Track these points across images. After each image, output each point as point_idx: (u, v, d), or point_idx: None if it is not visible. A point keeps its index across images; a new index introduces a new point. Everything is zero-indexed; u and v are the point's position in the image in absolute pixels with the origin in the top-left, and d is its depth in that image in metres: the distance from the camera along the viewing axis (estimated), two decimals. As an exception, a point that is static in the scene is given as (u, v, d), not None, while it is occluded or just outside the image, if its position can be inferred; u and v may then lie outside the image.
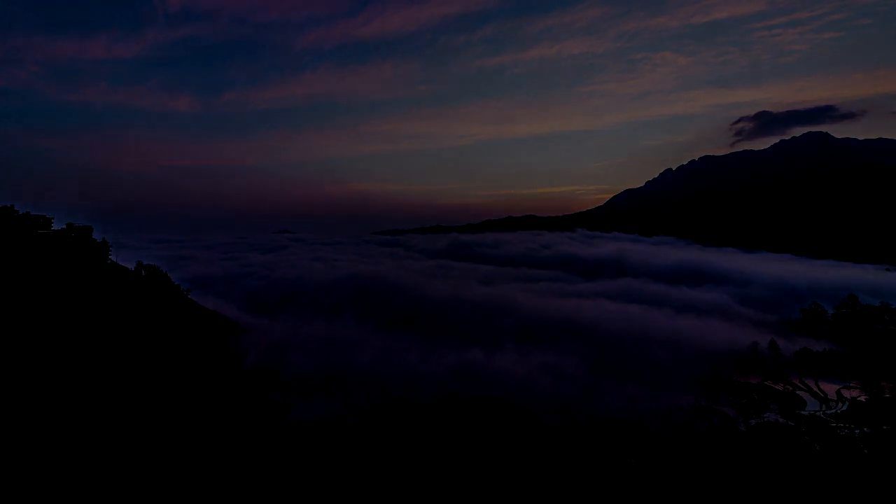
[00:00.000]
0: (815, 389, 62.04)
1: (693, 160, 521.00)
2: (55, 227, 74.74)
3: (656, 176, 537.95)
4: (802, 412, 54.75)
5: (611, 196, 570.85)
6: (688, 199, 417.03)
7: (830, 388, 62.72)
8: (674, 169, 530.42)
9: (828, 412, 54.58)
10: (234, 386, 58.10)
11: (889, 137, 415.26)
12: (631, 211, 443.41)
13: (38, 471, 28.82)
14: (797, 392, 61.61)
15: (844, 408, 55.50)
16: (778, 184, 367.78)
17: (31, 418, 35.05)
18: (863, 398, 57.03)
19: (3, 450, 29.75)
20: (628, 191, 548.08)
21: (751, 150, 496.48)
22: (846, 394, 59.95)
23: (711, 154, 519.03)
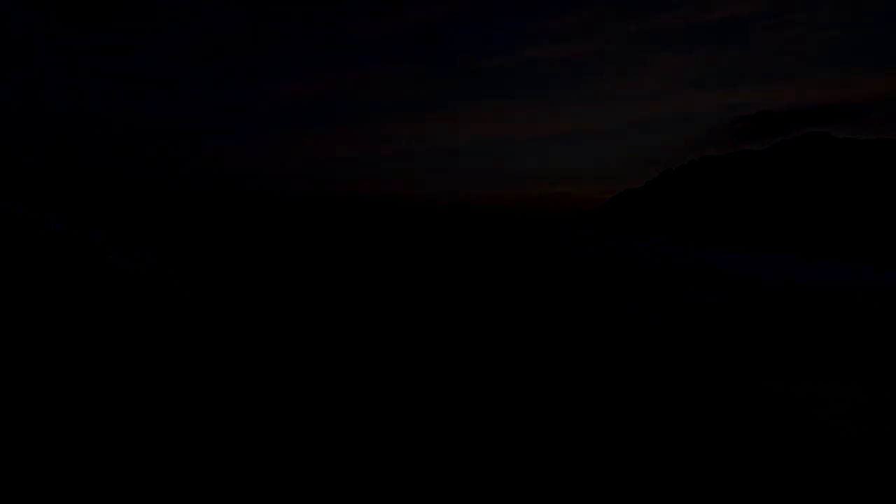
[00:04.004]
0: (816, 390, 62.23)
1: (693, 160, 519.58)
2: (55, 227, 74.93)
3: (656, 176, 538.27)
4: (802, 412, 54.89)
5: (611, 196, 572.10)
6: (688, 199, 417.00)
7: (831, 389, 62.89)
8: (674, 169, 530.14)
9: (828, 412, 54.74)
10: (235, 385, 58.35)
11: (889, 138, 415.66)
12: (631, 211, 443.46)
13: (41, 471, 28.92)
14: (797, 392, 61.80)
15: (844, 408, 55.69)
16: (778, 184, 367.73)
17: (32, 419, 35.17)
18: (863, 398, 57.23)
19: (5, 451, 29.85)
20: (628, 191, 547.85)
21: (751, 150, 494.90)
22: (846, 394, 60.12)
23: (711, 154, 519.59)
